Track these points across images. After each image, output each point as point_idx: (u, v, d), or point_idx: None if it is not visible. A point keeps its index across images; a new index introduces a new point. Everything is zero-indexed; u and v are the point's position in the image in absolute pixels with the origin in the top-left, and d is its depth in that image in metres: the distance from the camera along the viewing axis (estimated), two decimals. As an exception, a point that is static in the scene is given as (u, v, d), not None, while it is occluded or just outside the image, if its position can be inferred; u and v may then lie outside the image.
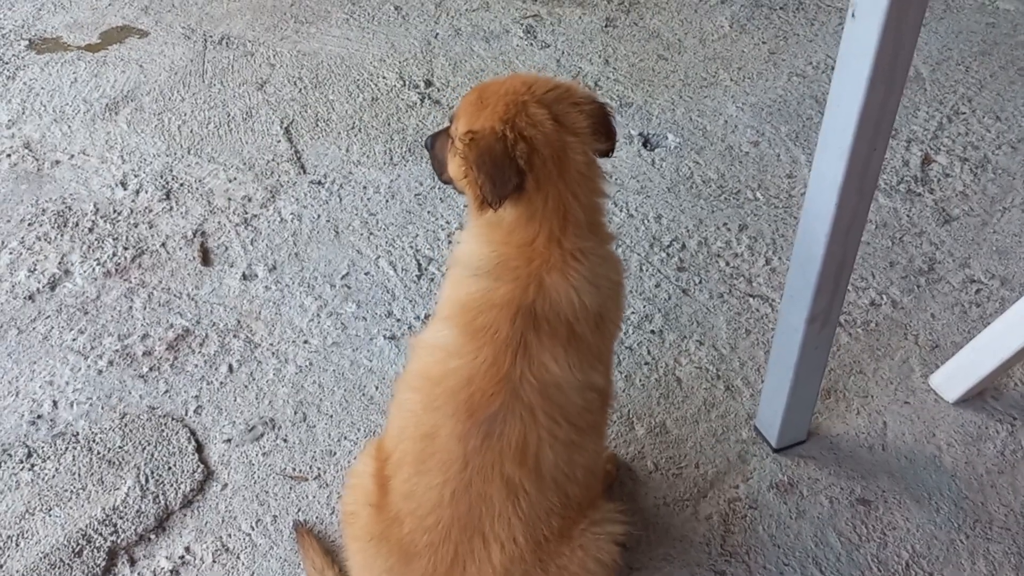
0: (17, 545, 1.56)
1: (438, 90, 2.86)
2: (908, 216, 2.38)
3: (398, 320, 2.06)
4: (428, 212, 2.38)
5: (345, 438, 1.78)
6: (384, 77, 2.90)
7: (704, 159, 2.59)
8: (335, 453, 1.75)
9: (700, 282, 2.17)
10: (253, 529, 1.61)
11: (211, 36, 3.07)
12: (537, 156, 1.27)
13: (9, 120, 2.64)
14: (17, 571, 1.52)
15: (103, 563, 1.54)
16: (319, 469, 1.72)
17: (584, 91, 1.35)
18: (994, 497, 1.70)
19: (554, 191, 1.28)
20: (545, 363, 1.27)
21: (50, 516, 1.60)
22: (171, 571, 1.54)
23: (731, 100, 2.83)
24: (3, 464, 1.70)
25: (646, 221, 2.36)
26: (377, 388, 1.89)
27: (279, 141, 2.62)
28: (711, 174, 2.53)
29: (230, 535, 1.60)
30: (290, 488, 1.68)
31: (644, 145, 2.65)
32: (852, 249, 1.48)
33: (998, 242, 2.30)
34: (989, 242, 2.30)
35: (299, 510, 1.64)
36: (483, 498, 1.28)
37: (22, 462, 1.70)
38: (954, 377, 1.85)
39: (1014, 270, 2.20)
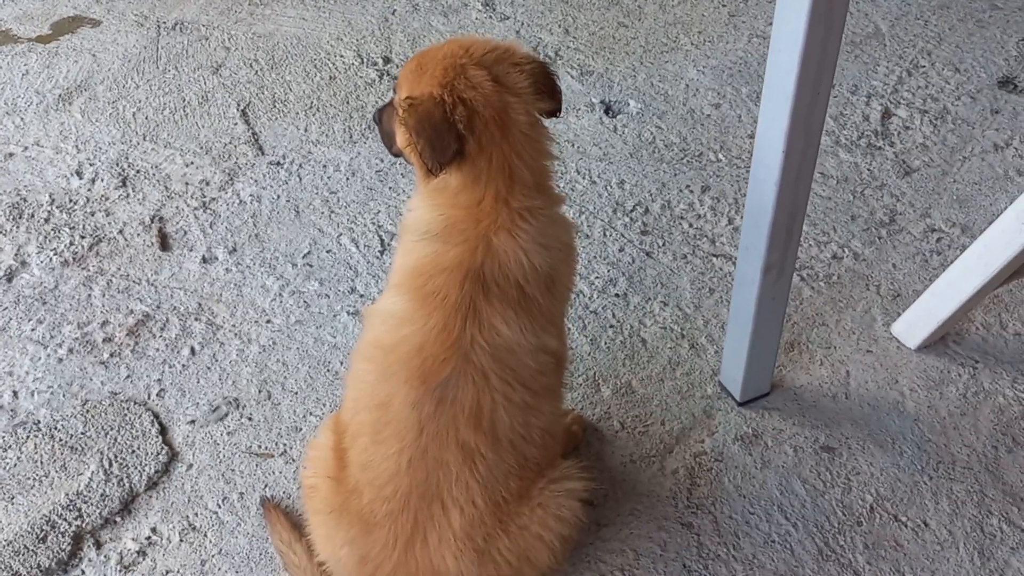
0: (-21, 534, 1.55)
1: (397, 66, 2.84)
2: (869, 170, 2.38)
3: (361, 296, 2.05)
4: (389, 188, 2.37)
5: (311, 414, 1.77)
6: (342, 56, 2.87)
7: (666, 123, 2.58)
8: (301, 429, 1.74)
9: (664, 244, 2.18)
10: (220, 507, 1.60)
11: (164, 22, 3.03)
12: (478, 118, 1.26)
13: (-40, 115, 2.60)
14: (-20, 560, 1.51)
15: (68, 547, 1.53)
16: (285, 445, 1.71)
17: (525, 51, 1.34)
18: (957, 439, 1.71)
19: (498, 152, 1.27)
20: (496, 326, 1.27)
21: (12, 504, 1.59)
22: (138, 552, 1.53)
23: (692, 64, 2.82)
24: (-37, 456, 1.68)
25: (609, 187, 2.36)
26: (342, 363, 1.88)
27: (236, 124, 2.59)
28: (673, 138, 2.52)
29: (197, 514, 1.59)
30: (256, 465, 1.67)
31: (606, 112, 2.64)
32: (803, 197, 1.49)
33: (958, 191, 2.31)
34: (949, 191, 2.31)
35: (266, 486, 1.64)
36: (440, 464, 1.28)
37: (-17, 453, 1.68)
38: (915, 324, 1.86)
39: (974, 217, 2.22)
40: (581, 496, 1.37)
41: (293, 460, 1.68)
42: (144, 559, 1.53)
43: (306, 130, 2.57)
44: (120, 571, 1.51)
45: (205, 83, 2.75)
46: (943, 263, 2.08)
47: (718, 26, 3.00)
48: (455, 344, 1.26)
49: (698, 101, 2.66)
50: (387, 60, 2.87)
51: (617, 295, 2.04)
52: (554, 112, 1.35)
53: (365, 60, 2.86)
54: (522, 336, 1.29)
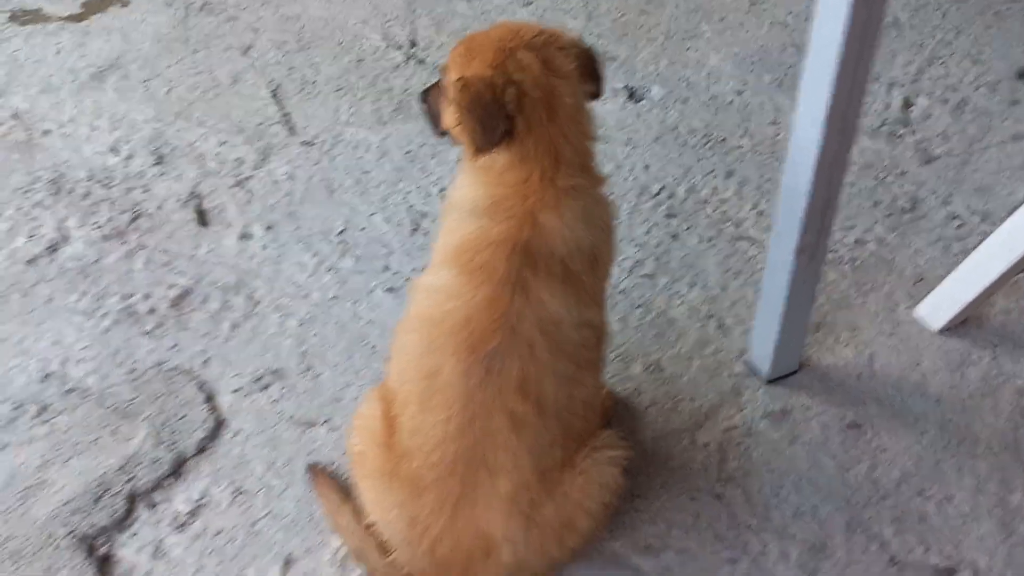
0: (38, 494, 1.61)
1: (423, 50, 2.88)
2: (891, 157, 2.43)
3: (395, 273, 2.10)
4: (419, 169, 2.41)
5: (350, 385, 1.83)
6: (368, 38, 2.91)
7: (689, 109, 2.63)
8: (341, 400, 1.80)
9: (689, 227, 2.22)
10: (267, 472, 1.66)
11: (193, 3, 3.06)
12: (527, 99, 1.30)
13: (-4, 91, 2.64)
14: (40, 517, 1.57)
15: (123, 508, 1.59)
16: (327, 414, 1.77)
17: (570, 36, 1.39)
18: (978, 419, 1.77)
19: (545, 133, 1.32)
20: (542, 300, 1.31)
21: (67, 466, 1.65)
22: (189, 513, 1.59)
23: (714, 51, 2.86)
24: (18, 420, 1.73)
25: (634, 171, 2.41)
26: (379, 338, 1.93)
27: (267, 104, 2.63)
28: (696, 124, 2.57)
29: (245, 478, 1.65)
30: (300, 433, 1.73)
31: (629, 98, 2.68)
32: (837, 182, 1.54)
33: (978, 179, 2.36)
34: (970, 180, 2.36)
35: (310, 453, 1.69)
36: (487, 432, 1.33)
37: (35, 417, 1.74)
38: (938, 307, 1.91)
39: (994, 205, 2.27)
40: (622, 463, 1.42)
41: (335, 429, 1.74)
42: (196, 520, 1.58)
43: (336, 111, 2.61)
44: (174, 531, 1.57)
45: (235, 64, 2.79)
46: (964, 249, 2.13)
47: (739, 14, 3.04)
48: (503, 316, 1.30)
49: (720, 88, 2.71)
50: (413, 44, 2.90)
51: (644, 276, 2.09)
52: (596, 95, 1.40)
53: (391, 43, 2.90)
54: (567, 310, 1.33)
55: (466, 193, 1.38)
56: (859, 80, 1.38)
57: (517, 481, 1.34)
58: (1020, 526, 1.58)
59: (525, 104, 1.30)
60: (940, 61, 2.79)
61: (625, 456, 1.43)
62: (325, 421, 1.75)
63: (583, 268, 1.35)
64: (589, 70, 1.38)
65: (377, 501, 1.44)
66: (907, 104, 2.62)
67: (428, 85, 1.51)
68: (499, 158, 1.33)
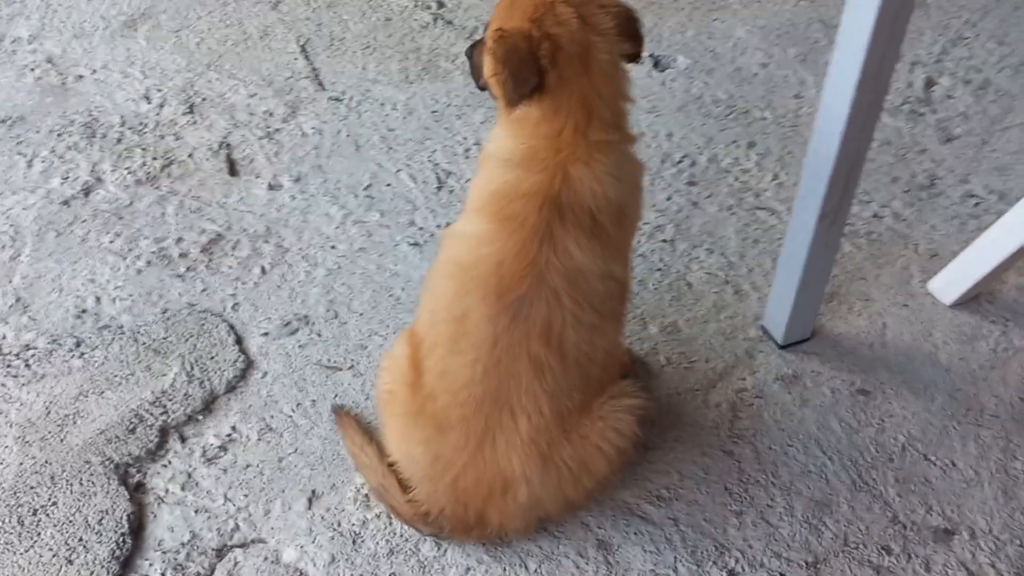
0: (75, 423, 1.67)
1: (450, 11, 2.90)
2: (911, 135, 2.46)
3: (420, 229, 2.14)
4: (445, 128, 2.45)
5: (375, 334, 1.88)
6: (398, -2, 2.93)
7: (714, 80, 2.65)
8: (367, 347, 1.85)
9: (710, 196, 2.26)
10: (294, 412, 1.72)
11: (225, -45, 3.08)
12: (562, 54, 1.34)
13: (30, 36, 2.68)
14: (76, 445, 1.63)
15: (156, 439, 1.65)
16: (352, 360, 1.82)
17: None
18: (986, 389, 1.81)
19: (579, 87, 1.35)
20: (570, 250, 1.36)
21: (102, 398, 1.71)
22: (219, 447, 1.65)
23: (740, 23, 2.88)
24: (55, 352, 1.79)
25: (658, 139, 2.44)
26: (403, 290, 1.98)
27: (296, 59, 2.67)
28: (720, 94, 2.60)
29: (273, 416, 1.70)
30: (326, 376, 1.78)
31: (655, 67, 2.71)
32: (863, 149, 1.57)
33: (997, 160, 2.38)
34: (988, 160, 2.38)
35: (336, 396, 1.75)
36: (511, 374, 1.38)
37: (72, 351, 1.80)
38: (951, 281, 1.95)
39: (1012, 185, 2.30)
40: (638, 412, 1.47)
41: (361, 374, 1.79)
42: (225, 454, 1.64)
43: (364, 68, 2.64)
44: (204, 463, 1.63)
45: (265, 18, 2.82)
46: (980, 227, 2.16)
47: (767, -12, 3.05)
48: (531, 264, 1.35)
49: (746, 60, 2.73)
50: (441, 4, 2.93)
51: (664, 241, 2.14)
52: (635, 56, 1.43)
53: (419, 3, 2.92)
54: (593, 261, 1.38)
55: (501, 144, 1.41)
56: (891, 49, 1.41)
57: (537, 423, 1.39)
58: (1020, 492, 1.63)
59: (560, 58, 1.34)
60: (965, 42, 2.80)
61: (642, 406, 1.48)
62: (351, 366, 1.81)
63: (610, 222, 1.39)
64: (628, 29, 1.40)
65: (402, 438, 1.49)
66: (930, 83, 2.63)
67: (475, 41, 1.54)
68: (533, 111, 1.37)
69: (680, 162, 2.36)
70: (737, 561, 1.53)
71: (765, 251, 2.10)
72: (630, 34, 1.41)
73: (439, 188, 2.26)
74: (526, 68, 1.33)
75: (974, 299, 1.97)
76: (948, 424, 1.75)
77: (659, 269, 2.06)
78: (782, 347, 1.87)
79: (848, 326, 1.94)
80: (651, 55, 2.73)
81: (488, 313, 1.36)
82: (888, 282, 2.04)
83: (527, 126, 1.38)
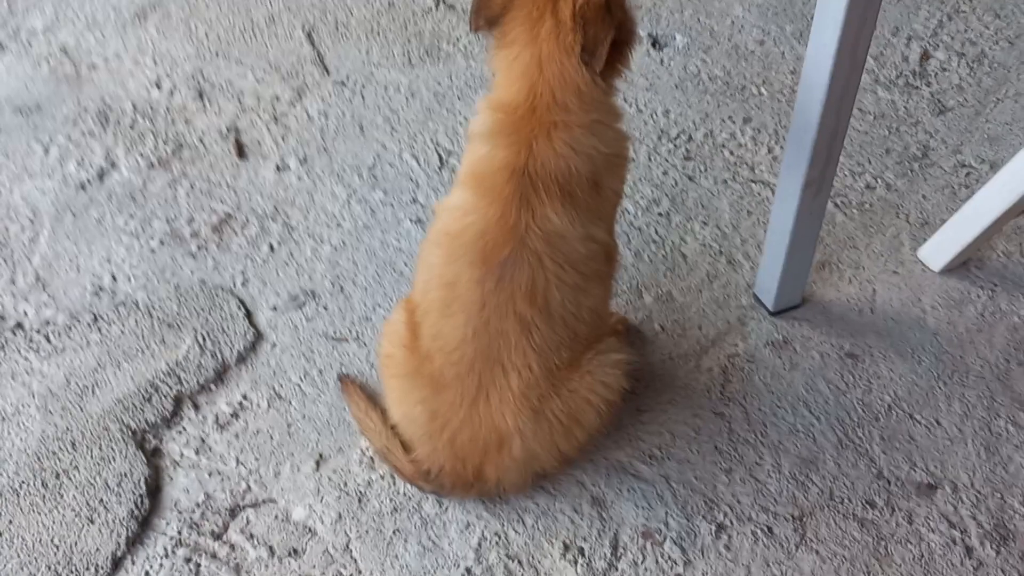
0: (93, 393, 1.75)
1: (453, -5, 2.96)
2: (905, 107, 2.50)
3: (423, 206, 2.21)
4: (447, 110, 2.51)
5: (379, 306, 1.95)
6: (401, -17, 2.99)
7: (711, 58, 2.70)
8: (371, 319, 1.93)
9: (705, 170, 2.31)
10: (302, 380, 1.79)
11: (232, -54, 3.15)
12: (518, 30, 1.39)
13: (45, 27, 2.76)
14: (96, 413, 1.72)
15: (171, 407, 1.73)
16: (357, 332, 1.90)
17: None
18: (972, 352, 1.86)
19: (539, 70, 1.40)
20: (547, 215, 1.41)
21: (120, 369, 1.79)
22: (231, 414, 1.73)
23: (738, 2, 2.91)
24: (73, 327, 1.88)
25: (654, 116, 2.49)
26: (406, 265, 2.05)
27: (302, 45, 2.74)
28: (717, 72, 2.64)
29: (281, 385, 1.78)
30: (332, 347, 1.86)
31: (653, 45, 2.75)
32: (844, 118, 1.62)
33: (990, 130, 2.42)
34: (981, 130, 2.42)
35: (342, 365, 1.82)
36: (500, 333, 1.44)
37: (89, 326, 1.88)
38: (940, 248, 2.00)
39: (1003, 155, 2.33)
40: (624, 366, 1.54)
41: (365, 345, 1.87)
42: (237, 420, 1.72)
43: (367, 53, 2.71)
44: (217, 429, 1.71)
45: (271, 6, 2.89)
46: (971, 196, 2.19)
47: (765, -34, 3.08)
48: (512, 230, 1.41)
49: (743, 37, 2.77)
50: (443, -11, 2.98)
51: (660, 214, 2.19)
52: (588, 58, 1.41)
53: (423, -12, 2.98)
54: (570, 226, 1.42)
55: (480, 119, 1.48)
56: (868, 16, 1.45)
57: (527, 378, 1.46)
58: (1002, 448, 1.68)
59: (516, 35, 1.40)
60: (961, 15, 2.83)
61: (627, 359, 1.54)
62: (356, 337, 1.88)
63: (581, 190, 1.44)
64: (586, 27, 1.41)
65: (402, 398, 1.56)
66: (925, 56, 2.67)
67: None
68: (502, 90, 1.43)
69: (676, 138, 2.41)
70: (726, 515, 1.60)
71: (758, 223, 2.16)
72: (586, 32, 1.38)
73: (441, 167, 2.32)
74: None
75: (963, 265, 2.02)
76: (934, 385, 1.80)
77: (654, 241, 2.12)
78: (773, 314, 1.93)
79: (838, 293, 1.99)
80: (649, 34, 2.78)
81: (475, 277, 1.43)
82: (879, 250, 2.09)
83: (498, 105, 1.44)
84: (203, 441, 1.70)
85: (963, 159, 2.33)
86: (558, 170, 1.40)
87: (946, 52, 2.68)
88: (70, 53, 2.67)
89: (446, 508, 1.60)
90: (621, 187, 1.55)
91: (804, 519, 1.59)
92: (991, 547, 1.56)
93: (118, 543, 1.55)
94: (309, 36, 2.77)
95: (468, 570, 1.54)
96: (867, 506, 1.61)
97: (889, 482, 1.64)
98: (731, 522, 1.59)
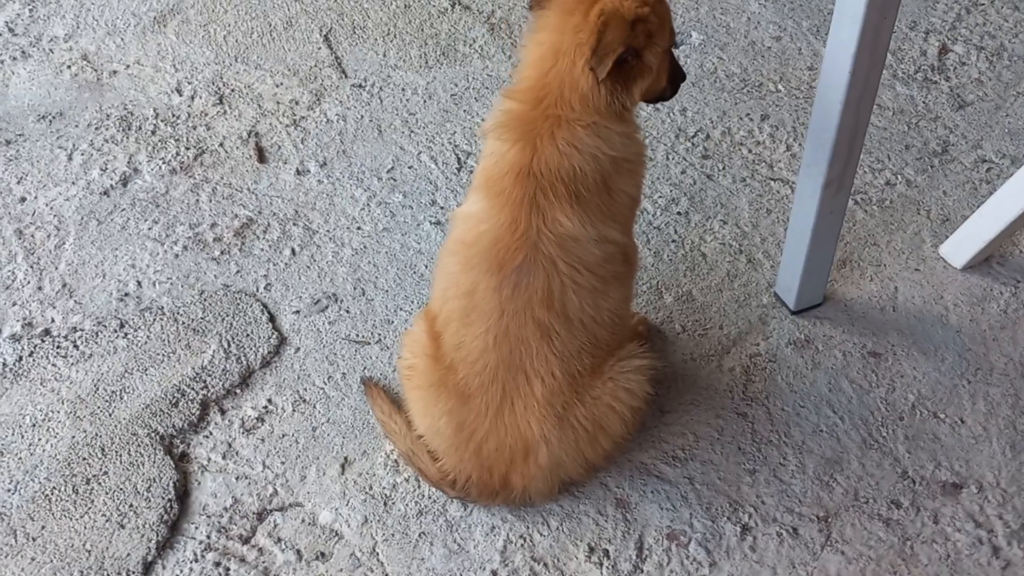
0: (121, 398, 1.78)
1: (469, -4, 2.96)
2: (924, 103, 2.49)
3: (441, 208, 2.22)
4: (464, 111, 2.52)
5: (400, 309, 1.97)
6: (416, -15, 3.00)
7: (728, 55, 2.69)
8: (392, 322, 1.94)
9: (724, 168, 2.31)
10: (326, 384, 1.81)
11: (248, -50, 3.17)
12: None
13: (66, 34, 2.79)
14: (124, 418, 1.74)
15: (197, 412, 1.75)
16: (379, 335, 1.91)
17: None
18: (996, 349, 1.86)
19: (549, 68, 1.41)
20: (558, 218, 1.41)
21: (147, 375, 1.81)
22: (257, 418, 1.75)
23: (754, -2, 2.91)
24: (100, 333, 1.90)
25: (672, 114, 2.49)
26: (426, 267, 2.07)
27: (319, 48, 2.75)
28: (734, 69, 2.64)
29: (306, 389, 1.80)
30: (355, 351, 1.87)
31: (669, 43, 2.75)
32: (864, 116, 1.62)
33: (1010, 124, 2.41)
34: (1001, 125, 2.41)
35: (364, 368, 1.84)
36: (521, 340, 1.45)
37: (116, 332, 1.91)
38: (962, 244, 1.99)
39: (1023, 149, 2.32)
40: (646, 372, 1.54)
41: (387, 347, 1.88)
42: (262, 424, 1.74)
43: (385, 55, 2.72)
44: (243, 433, 1.73)
45: (289, 9, 2.90)
46: (991, 191, 2.19)
47: (781, -38, 3.07)
48: (524, 235, 1.41)
49: (759, 34, 2.76)
50: (459, -10, 2.99)
51: (679, 213, 2.19)
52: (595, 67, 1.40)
53: (438, -11, 2.98)
54: (583, 228, 1.42)
55: (491, 114, 1.48)
56: (888, 11, 1.45)
57: (551, 385, 1.47)
58: (1027, 446, 1.68)
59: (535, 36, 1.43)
60: (980, 8, 2.81)
61: (650, 365, 1.55)
62: (378, 340, 1.90)
63: (590, 192, 1.43)
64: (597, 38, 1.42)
65: (426, 410, 1.57)
66: (944, 51, 2.65)
67: None
68: (514, 89, 1.44)
69: (694, 136, 2.41)
70: (750, 516, 1.60)
71: (778, 221, 2.16)
72: (600, 38, 1.37)
73: (459, 169, 2.33)
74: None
75: (984, 262, 2.01)
76: (958, 383, 1.80)
77: (674, 241, 2.12)
78: (794, 313, 1.93)
79: (860, 291, 1.99)
80: (665, 32, 2.77)
81: (492, 285, 1.44)
82: (900, 247, 2.08)
83: (511, 92, 1.45)
84: (230, 445, 1.71)
85: (983, 154, 2.32)
86: (562, 169, 1.40)
87: (965, 46, 2.67)
88: (91, 60, 2.70)
89: (471, 511, 1.61)
90: (636, 191, 1.54)
91: (829, 520, 1.59)
92: (1018, 546, 1.56)
93: (148, 548, 1.57)
94: (327, 39, 2.79)
95: (494, 573, 1.55)
96: (892, 506, 1.61)
97: (914, 481, 1.64)
98: (756, 523, 1.59)
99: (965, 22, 2.75)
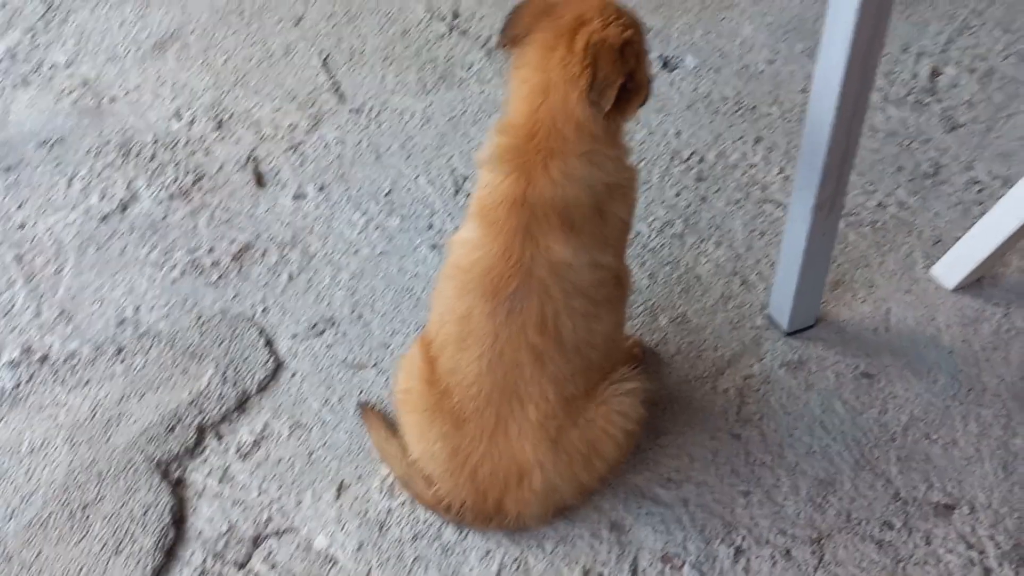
0: (118, 424, 1.79)
1: (465, 21, 3.00)
2: (916, 124, 2.51)
3: (439, 232, 2.24)
4: (462, 135, 2.55)
5: (397, 332, 1.98)
6: (413, 11, 3.04)
7: (722, 78, 2.72)
8: (389, 345, 1.95)
9: (718, 190, 2.33)
10: (322, 408, 1.82)
11: (247, -24, 3.21)
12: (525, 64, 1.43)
13: (67, 61, 2.83)
14: (121, 444, 1.75)
15: (194, 437, 1.76)
16: (376, 358, 1.92)
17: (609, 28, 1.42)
18: (988, 370, 1.87)
19: (542, 100, 1.42)
20: (550, 246, 1.43)
21: (143, 400, 1.83)
22: (253, 443, 1.76)
23: (748, 21, 2.94)
24: (98, 359, 1.92)
25: (666, 137, 2.51)
26: (423, 290, 2.08)
27: (318, 73, 2.78)
28: (728, 92, 2.66)
29: (302, 413, 1.81)
30: (352, 374, 1.89)
31: (664, 67, 2.78)
32: (855, 138, 1.64)
33: (1002, 146, 2.43)
34: (993, 146, 2.43)
35: (361, 392, 1.85)
36: (515, 365, 1.46)
37: (113, 357, 1.92)
38: (953, 265, 2.00)
39: (1016, 171, 2.34)
40: (639, 394, 1.55)
41: (384, 371, 1.90)
42: (259, 449, 1.75)
43: (383, 80, 2.75)
44: (239, 459, 1.74)
45: (287, 35, 2.94)
46: (983, 212, 2.20)
47: (774, -15, 3.10)
48: (517, 262, 1.43)
49: (753, 57, 2.79)
50: (456, 15, 3.02)
51: (674, 235, 2.21)
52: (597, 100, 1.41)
53: (435, 15, 3.02)
54: (575, 254, 1.44)
55: (485, 146, 1.50)
56: (877, 35, 1.47)
57: (544, 409, 1.48)
58: (1019, 467, 1.68)
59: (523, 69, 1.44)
60: (971, 30, 2.84)
61: (643, 387, 1.56)
62: (375, 364, 1.91)
63: (583, 219, 1.44)
64: (596, 68, 1.42)
65: (421, 435, 1.58)
66: (935, 73, 2.68)
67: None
68: (507, 120, 1.46)
69: (688, 159, 2.43)
70: (744, 538, 1.61)
71: (771, 242, 2.17)
72: (596, 72, 1.38)
73: (456, 192, 2.36)
74: (513, 21, 1.46)
75: (977, 283, 2.03)
76: (950, 404, 1.80)
77: (668, 263, 2.14)
78: (788, 334, 1.94)
79: (852, 312, 2.00)
80: (660, 56, 2.81)
81: (487, 310, 1.45)
82: (892, 269, 2.10)
83: (504, 127, 1.46)
84: (226, 471, 1.72)
85: (975, 176, 2.34)
86: (556, 199, 1.42)
87: (956, 68, 2.69)
88: (91, 86, 2.73)
89: (466, 535, 1.62)
90: (628, 216, 1.56)
91: (822, 541, 1.60)
92: (1010, 568, 1.56)
93: (144, 574, 1.58)
94: (325, 64, 2.82)
95: (489, 596, 1.56)
96: (885, 527, 1.61)
97: (907, 503, 1.64)
98: (749, 545, 1.59)
99: (956, 44, 2.78)
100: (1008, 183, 2.29)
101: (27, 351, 1.94)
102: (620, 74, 1.38)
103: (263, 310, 2.03)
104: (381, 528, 1.64)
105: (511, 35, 1.46)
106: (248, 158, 2.46)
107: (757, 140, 2.48)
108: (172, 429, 1.77)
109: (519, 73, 1.46)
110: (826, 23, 1.51)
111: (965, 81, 2.64)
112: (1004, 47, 2.76)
